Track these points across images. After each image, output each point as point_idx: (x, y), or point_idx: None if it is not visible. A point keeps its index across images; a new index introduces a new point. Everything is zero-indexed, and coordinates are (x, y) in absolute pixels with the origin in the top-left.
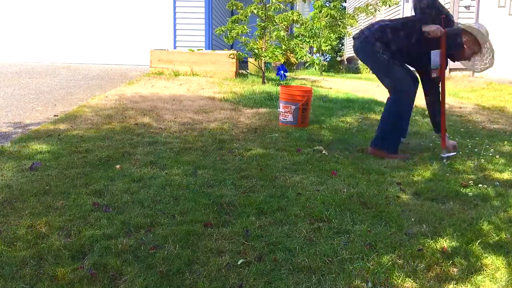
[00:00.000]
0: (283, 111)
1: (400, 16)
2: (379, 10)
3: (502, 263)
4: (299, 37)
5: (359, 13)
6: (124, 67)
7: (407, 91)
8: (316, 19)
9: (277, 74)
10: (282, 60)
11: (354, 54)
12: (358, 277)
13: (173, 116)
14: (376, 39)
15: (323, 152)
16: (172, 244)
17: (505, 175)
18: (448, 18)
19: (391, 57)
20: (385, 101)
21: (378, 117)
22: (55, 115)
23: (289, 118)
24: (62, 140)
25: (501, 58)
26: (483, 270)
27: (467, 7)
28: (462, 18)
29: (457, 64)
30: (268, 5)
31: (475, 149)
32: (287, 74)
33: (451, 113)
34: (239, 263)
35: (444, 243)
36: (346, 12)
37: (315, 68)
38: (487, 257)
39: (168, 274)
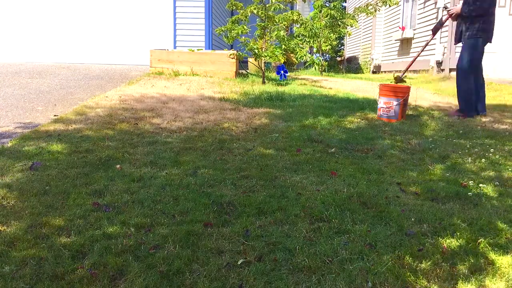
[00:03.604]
0: (385, 106)
1: (400, 16)
2: (379, 10)
3: (503, 263)
4: (299, 37)
5: (359, 13)
6: (124, 67)
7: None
8: (316, 19)
9: (277, 74)
10: (282, 60)
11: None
12: (358, 277)
13: (173, 116)
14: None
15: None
16: (172, 244)
17: (505, 175)
18: None
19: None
20: None
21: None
22: (55, 115)
23: (391, 113)
24: (62, 140)
25: (501, 58)
26: (483, 270)
27: None
28: None
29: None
30: (268, 5)
31: (475, 149)
32: (287, 74)
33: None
34: (239, 263)
35: (444, 243)
36: (346, 12)
37: (315, 68)
38: (487, 257)
39: (168, 274)
